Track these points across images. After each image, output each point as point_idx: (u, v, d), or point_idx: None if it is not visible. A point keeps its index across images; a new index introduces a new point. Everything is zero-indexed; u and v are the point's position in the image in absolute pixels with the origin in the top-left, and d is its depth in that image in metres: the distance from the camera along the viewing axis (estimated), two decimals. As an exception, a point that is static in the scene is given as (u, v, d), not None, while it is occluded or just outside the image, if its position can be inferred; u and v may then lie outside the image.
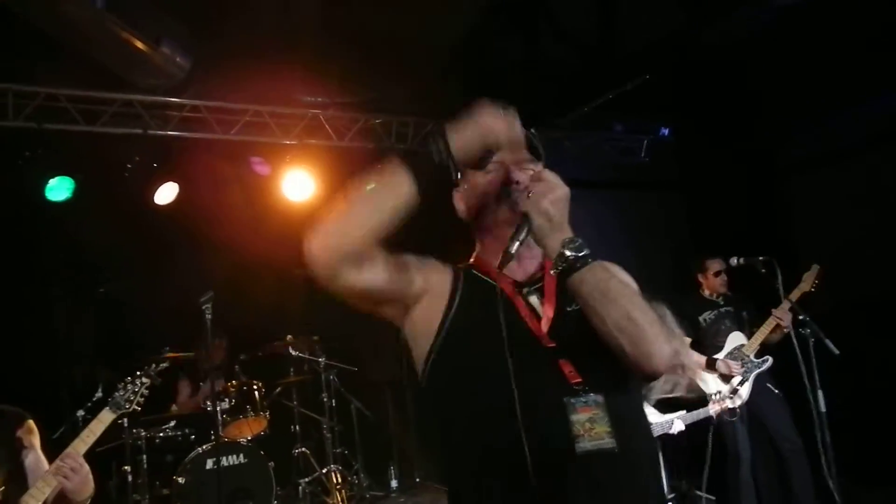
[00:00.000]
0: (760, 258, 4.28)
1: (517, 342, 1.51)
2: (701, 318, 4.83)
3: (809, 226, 6.02)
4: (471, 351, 1.57)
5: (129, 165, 5.36)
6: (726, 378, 4.51)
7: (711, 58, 5.41)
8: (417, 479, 6.37)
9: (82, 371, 5.74)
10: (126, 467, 4.92)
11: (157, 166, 5.45)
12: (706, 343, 4.75)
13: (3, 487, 2.49)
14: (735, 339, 4.70)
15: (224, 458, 4.57)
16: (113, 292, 5.93)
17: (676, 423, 4.15)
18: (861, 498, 4.63)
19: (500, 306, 1.54)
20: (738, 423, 4.51)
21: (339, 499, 5.13)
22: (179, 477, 4.72)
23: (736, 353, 4.64)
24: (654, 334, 1.44)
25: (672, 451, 5.74)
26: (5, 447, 2.51)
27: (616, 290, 1.46)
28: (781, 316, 4.35)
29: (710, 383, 4.56)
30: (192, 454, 4.81)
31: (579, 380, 1.50)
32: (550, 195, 1.49)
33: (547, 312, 1.59)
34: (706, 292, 4.97)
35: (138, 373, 3.01)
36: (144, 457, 4.93)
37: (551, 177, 1.52)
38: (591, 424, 1.46)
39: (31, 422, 2.63)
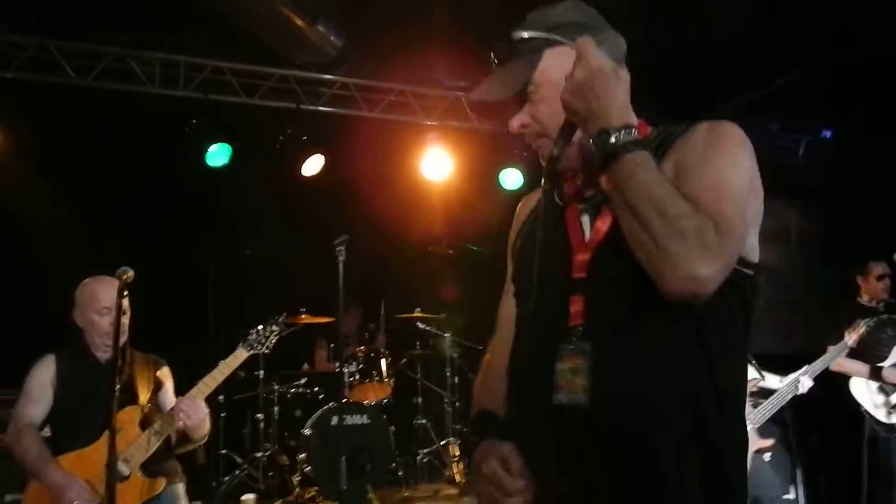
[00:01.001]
0: None
1: (551, 267, 1.36)
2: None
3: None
4: (516, 275, 1.51)
5: (280, 137, 5.68)
6: (885, 390, 4.13)
7: (882, 57, 4.95)
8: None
9: (226, 329, 6.19)
10: (259, 415, 5.30)
11: (306, 139, 5.73)
12: (866, 353, 4.36)
13: (146, 406, 2.90)
14: None
15: (348, 417, 4.81)
16: (259, 256, 6.32)
17: (803, 380, 3.79)
18: None
19: (540, 223, 1.40)
20: (894, 440, 4.14)
21: (456, 471, 5.24)
22: (306, 430, 5.02)
23: None
24: (670, 245, 1.17)
25: (810, 463, 5.46)
26: (149, 383, 2.93)
27: (637, 190, 1.21)
28: None
29: (864, 395, 4.20)
30: (320, 410, 5.10)
31: (579, 322, 1.30)
32: (570, 84, 1.26)
33: (596, 233, 1.34)
34: (865, 298, 4.56)
35: (270, 321, 3.27)
36: (276, 409, 5.28)
37: (582, 58, 1.26)
38: (571, 375, 1.27)
39: (167, 368, 3.07)
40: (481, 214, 6.38)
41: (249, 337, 3.17)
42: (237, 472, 5.13)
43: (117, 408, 2.49)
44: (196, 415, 2.78)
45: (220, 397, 5.30)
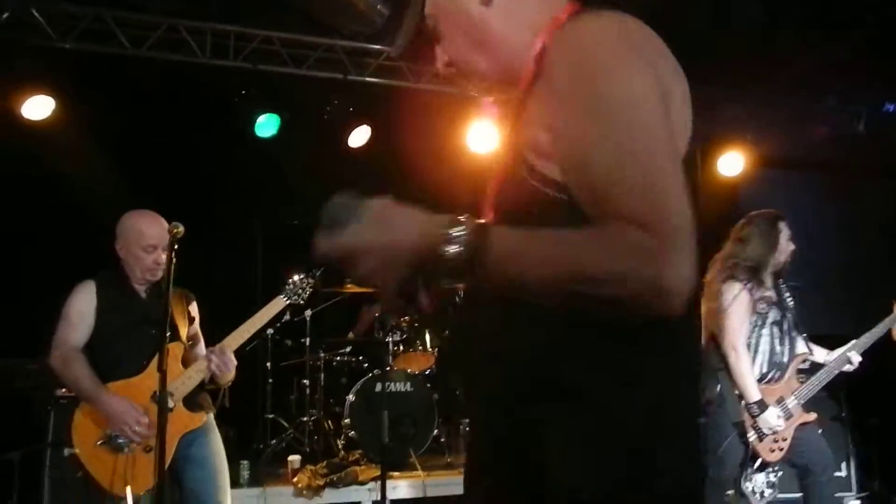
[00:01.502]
0: None
1: None
2: None
3: None
4: None
5: (327, 108, 5.72)
6: None
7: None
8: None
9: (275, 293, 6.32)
10: (305, 381, 5.41)
11: (353, 110, 5.76)
12: None
13: (189, 342, 3.02)
14: None
15: (392, 384, 4.88)
16: (306, 226, 6.41)
17: (852, 356, 3.66)
18: None
19: None
20: None
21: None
22: (351, 396, 5.11)
23: None
24: (619, 291, 0.94)
25: (864, 444, 5.36)
26: (185, 318, 3.03)
27: (528, 282, 1.01)
28: None
29: None
30: (364, 378, 5.19)
31: None
32: (356, 277, 1.13)
33: None
34: None
35: (308, 273, 3.31)
36: (322, 376, 5.37)
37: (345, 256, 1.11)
38: None
39: (195, 302, 3.16)
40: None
41: (287, 286, 3.20)
42: (283, 435, 5.25)
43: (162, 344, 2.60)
44: (225, 367, 2.86)
45: (268, 364, 5.43)
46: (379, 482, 4.61)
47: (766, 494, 5.07)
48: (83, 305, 2.85)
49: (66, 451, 2.81)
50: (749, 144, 6.23)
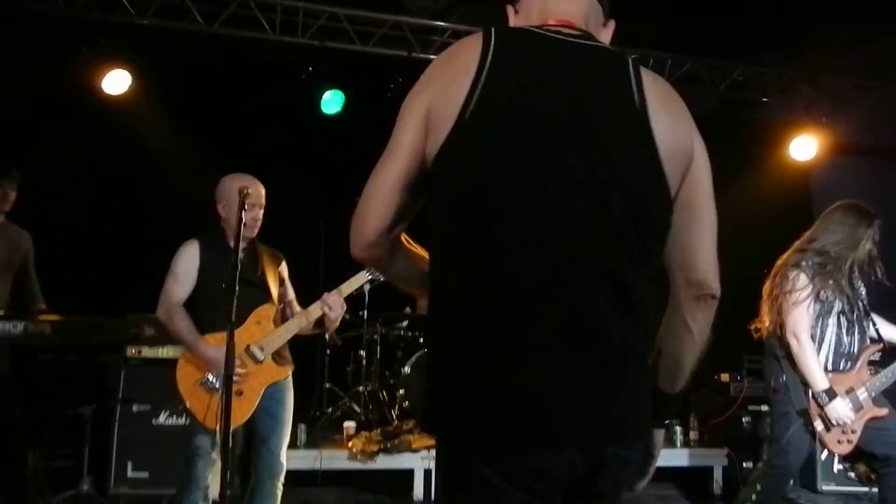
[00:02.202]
0: None
1: None
2: None
3: None
4: None
5: (391, 86, 5.77)
6: None
7: None
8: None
9: (338, 269, 6.43)
10: (362, 353, 5.53)
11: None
12: None
13: (280, 305, 3.26)
14: None
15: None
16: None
17: None
18: None
19: None
20: None
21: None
22: (406, 368, 5.20)
23: None
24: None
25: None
26: (276, 278, 3.27)
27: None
28: None
29: None
30: (420, 351, 5.27)
31: None
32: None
33: None
34: None
35: None
36: (378, 349, 5.49)
37: None
38: None
39: (285, 263, 3.38)
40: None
41: None
42: (339, 403, 5.39)
43: (256, 302, 3.06)
44: (338, 309, 3.14)
45: (326, 336, 5.56)
46: (431, 451, 4.71)
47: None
48: (188, 264, 3.13)
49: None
50: (823, 128, 5.99)
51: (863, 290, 3.43)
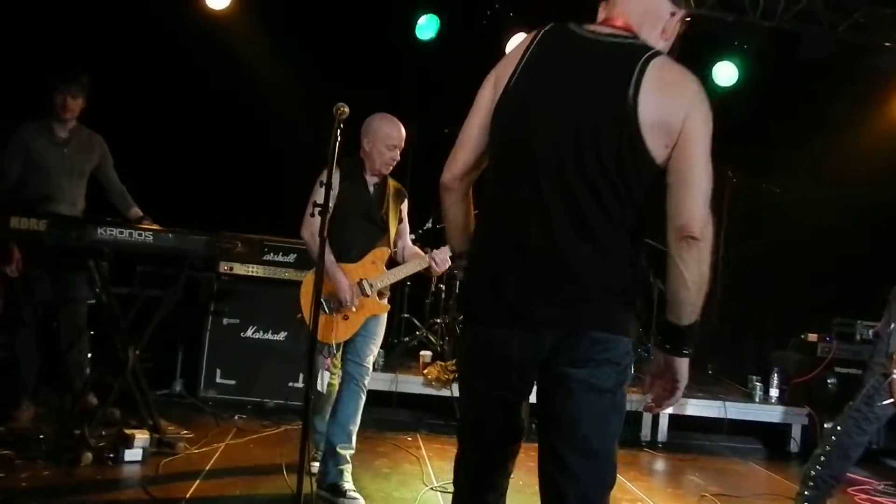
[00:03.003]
0: None
1: None
2: None
3: None
4: None
5: (487, 12, 5.61)
6: None
7: None
8: (710, 372, 6.25)
9: (425, 194, 6.43)
10: (441, 286, 5.59)
11: (513, 16, 5.62)
12: None
13: (395, 249, 3.52)
14: None
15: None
16: (455, 134, 6.43)
17: None
18: None
19: None
20: None
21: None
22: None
23: None
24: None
25: None
26: (396, 216, 3.49)
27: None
28: None
29: None
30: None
31: None
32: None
33: None
34: None
35: None
36: (456, 283, 5.46)
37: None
38: None
39: (407, 201, 3.59)
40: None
41: None
42: (417, 333, 5.50)
43: (375, 240, 3.39)
44: (444, 265, 3.44)
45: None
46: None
47: None
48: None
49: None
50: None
51: None
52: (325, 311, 3.25)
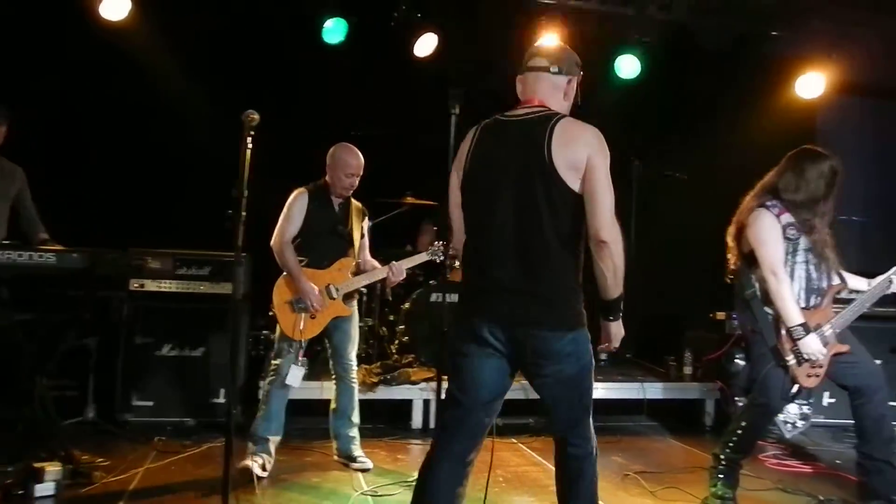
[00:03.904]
0: None
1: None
2: None
3: None
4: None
5: (395, 14, 5.60)
6: None
7: None
8: (627, 355, 6.48)
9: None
10: (363, 289, 5.56)
11: (420, 17, 5.63)
12: None
13: (358, 260, 4.06)
14: None
15: (448, 295, 4.94)
16: (365, 137, 6.40)
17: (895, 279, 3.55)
18: None
19: None
20: None
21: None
22: (407, 304, 5.28)
23: None
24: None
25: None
26: (359, 232, 4.06)
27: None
28: None
29: None
30: (421, 288, 5.32)
31: None
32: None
33: None
34: None
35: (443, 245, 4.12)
36: (378, 285, 5.49)
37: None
38: None
39: (367, 220, 4.18)
40: (591, 104, 6.16)
41: (432, 247, 4.16)
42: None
43: (341, 252, 3.94)
44: (400, 276, 4.05)
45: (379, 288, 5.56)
46: (430, 383, 4.81)
47: (798, 425, 5.08)
48: (298, 209, 3.85)
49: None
50: (833, 66, 5.88)
51: (826, 231, 3.44)
52: (294, 311, 3.79)
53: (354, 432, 4.00)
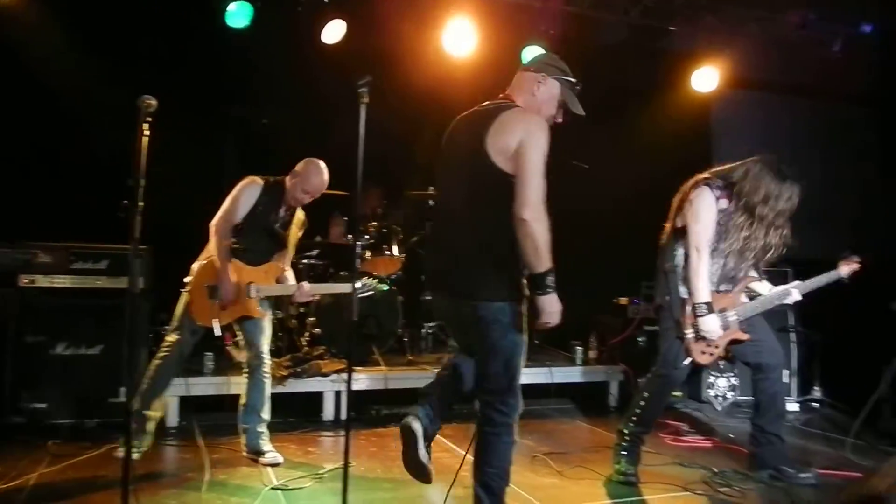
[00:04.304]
0: None
1: None
2: None
3: None
4: None
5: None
6: None
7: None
8: (536, 341, 6.61)
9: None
10: (272, 281, 5.45)
11: (328, 3, 5.52)
12: None
13: (286, 269, 4.07)
14: None
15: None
16: (276, 125, 6.25)
17: (793, 293, 3.77)
18: None
19: None
20: None
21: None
22: (317, 295, 5.20)
23: None
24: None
25: (807, 355, 5.65)
26: (296, 240, 4.10)
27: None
28: None
29: None
30: (331, 280, 5.26)
31: None
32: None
33: None
34: None
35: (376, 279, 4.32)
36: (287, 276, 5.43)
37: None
38: None
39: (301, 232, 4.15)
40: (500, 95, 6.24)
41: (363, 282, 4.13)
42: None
43: (272, 255, 3.95)
44: (305, 299, 4.07)
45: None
46: (341, 374, 4.78)
47: (728, 397, 5.35)
48: (247, 197, 3.81)
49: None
50: (725, 61, 6.17)
51: (762, 238, 3.56)
52: (208, 296, 3.72)
53: (263, 427, 3.94)
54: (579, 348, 5.78)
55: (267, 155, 6.14)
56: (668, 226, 3.70)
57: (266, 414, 3.95)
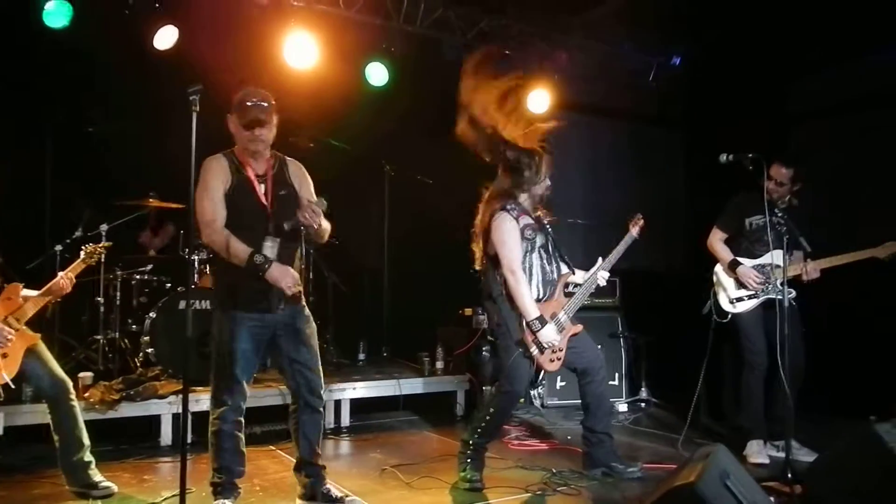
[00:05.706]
0: (749, 155, 3.87)
1: None
2: (748, 221, 4.49)
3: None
4: None
5: (129, 1, 5.17)
6: (742, 285, 4.41)
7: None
8: (385, 354, 6.69)
9: (66, 208, 5.74)
10: (99, 299, 5.08)
11: (159, 7, 5.26)
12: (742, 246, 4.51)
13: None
14: (774, 257, 4.31)
15: (197, 302, 4.72)
16: (103, 133, 5.87)
17: (601, 274, 4.04)
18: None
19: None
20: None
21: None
22: (152, 313, 4.93)
23: (765, 269, 4.37)
24: None
25: (635, 359, 6.10)
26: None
27: None
28: (810, 270, 4.22)
29: (729, 286, 4.49)
30: (168, 295, 4.99)
31: None
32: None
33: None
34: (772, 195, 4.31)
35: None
36: (118, 295, 5.09)
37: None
38: None
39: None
40: (345, 109, 6.26)
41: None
42: (73, 354, 4.94)
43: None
44: (67, 289, 3.66)
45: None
46: (179, 396, 4.52)
47: (547, 403, 5.67)
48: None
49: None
50: (556, 84, 6.57)
51: (549, 228, 3.89)
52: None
53: (89, 456, 3.57)
54: (427, 359, 5.89)
55: (93, 164, 5.76)
56: (479, 254, 3.88)
57: (86, 440, 3.58)
